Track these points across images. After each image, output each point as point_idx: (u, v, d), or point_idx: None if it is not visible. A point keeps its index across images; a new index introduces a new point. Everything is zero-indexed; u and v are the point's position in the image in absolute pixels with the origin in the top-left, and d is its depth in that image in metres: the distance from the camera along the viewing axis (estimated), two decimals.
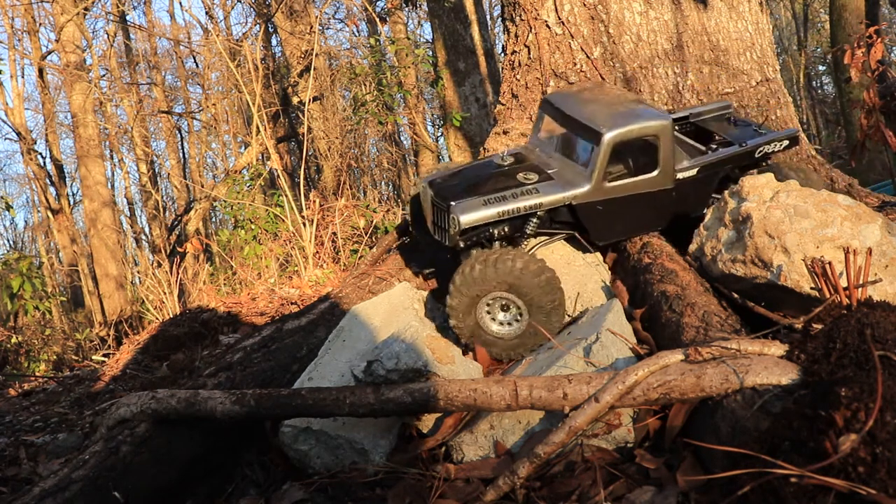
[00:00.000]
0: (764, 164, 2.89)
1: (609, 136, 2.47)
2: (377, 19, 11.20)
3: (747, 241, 2.14)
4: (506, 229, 2.56)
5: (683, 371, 1.63)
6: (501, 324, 2.40)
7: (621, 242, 2.81)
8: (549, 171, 2.62)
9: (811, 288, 1.87)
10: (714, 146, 2.79)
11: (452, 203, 2.52)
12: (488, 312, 2.40)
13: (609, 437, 1.80)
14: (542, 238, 2.72)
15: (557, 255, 2.76)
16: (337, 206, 7.00)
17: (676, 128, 2.95)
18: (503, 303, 2.38)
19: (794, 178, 2.72)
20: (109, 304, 11.59)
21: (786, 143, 2.84)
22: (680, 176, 2.65)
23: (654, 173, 2.58)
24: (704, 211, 2.75)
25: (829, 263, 1.71)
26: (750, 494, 1.25)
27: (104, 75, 18.09)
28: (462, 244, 2.55)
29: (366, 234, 6.71)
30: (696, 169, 2.68)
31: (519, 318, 2.37)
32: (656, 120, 2.52)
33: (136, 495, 1.95)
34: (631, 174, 2.59)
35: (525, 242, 2.66)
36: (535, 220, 2.58)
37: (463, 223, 2.48)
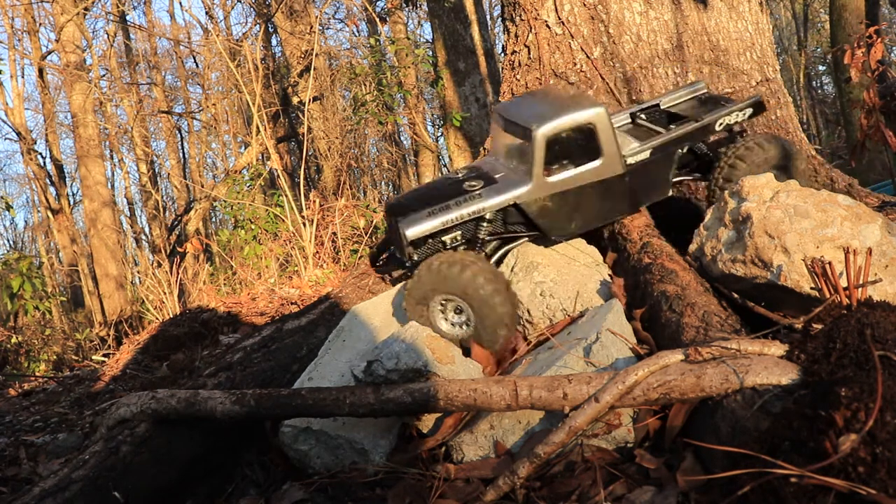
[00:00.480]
0: (740, 134, 2.87)
1: (540, 132, 2.48)
2: (377, 19, 11.20)
3: (747, 241, 2.14)
4: (458, 237, 2.62)
5: (683, 371, 1.63)
6: (452, 325, 2.46)
7: (621, 242, 2.81)
8: (497, 176, 2.66)
9: (811, 288, 1.87)
10: (672, 126, 2.78)
11: (399, 218, 2.61)
12: (442, 313, 2.46)
13: (609, 437, 1.80)
14: (519, 242, 2.75)
15: (558, 254, 2.76)
16: (337, 206, 7.00)
17: (643, 116, 2.95)
18: (455, 305, 2.43)
19: (767, 144, 2.67)
20: (109, 304, 11.60)
21: (749, 111, 2.79)
22: (631, 160, 2.64)
23: (598, 162, 2.57)
24: (670, 192, 2.79)
25: (829, 263, 1.71)
26: (750, 494, 1.25)
27: (104, 75, 18.10)
28: (416, 256, 2.63)
29: (366, 234, 6.71)
30: (648, 151, 2.67)
31: (469, 322, 2.42)
32: (588, 109, 2.51)
33: (136, 495, 1.95)
34: (576, 167, 2.59)
35: (483, 249, 2.70)
36: (484, 224, 2.63)
37: (409, 236, 2.56)
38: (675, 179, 2.88)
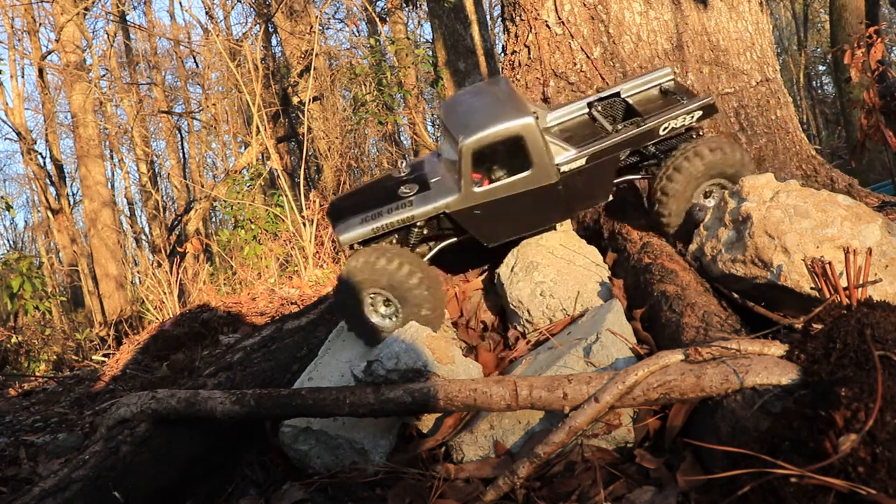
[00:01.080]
0: (697, 133, 2.71)
1: (466, 144, 2.46)
2: (377, 19, 11.20)
3: (747, 241, 2.14)
4: (394, 240, 2.68)
5: (683, 371, 1.63)
6: (383, 317, 2.55)
7: (621, 242, 2.81)
8: (432, 181, 2.66)
9: (811, 288, 1.87)
10: (619, 127, 2.64)
11: (335, 224, 2.69)
12: (372, 306, 2.54)
13: (609, 437, 1.80)
14: (450, 241, 2.77)
15: (558, 254, 2.76)
16: None
17: (599, 108, 2.80)
18: (384, 298, 2.52)
19: (708, 152, 2.52)
20: (109, 304, 11.60)
21: (699, 113, 2.60)
22: (565, 168, 2.55)
23: (529, 172, 2.51)
24: (610, 197, 2.67)
25: (829, 263, 1.71)
26: (750, 494, 1.25)
27: (104, 75, 18.09)
28: None
29: None
30: (584, 159, 2.57)
31: (398, 313, 2.52)
32: (516, 120, 2.46)
33: (136, 495, 1.95)
34: (508, 175, 2.55)
35: (428, 245, 2.77)
36: (416, 230, 2.67)
37: (343, 242, 2.64)
38: (618, 180, 2.74)
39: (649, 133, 2.60)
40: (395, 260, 2.44)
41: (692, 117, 2.60)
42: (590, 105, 2.81)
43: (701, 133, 2.71)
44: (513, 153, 2.53)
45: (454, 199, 2.56)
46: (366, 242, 2.65)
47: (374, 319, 2.55)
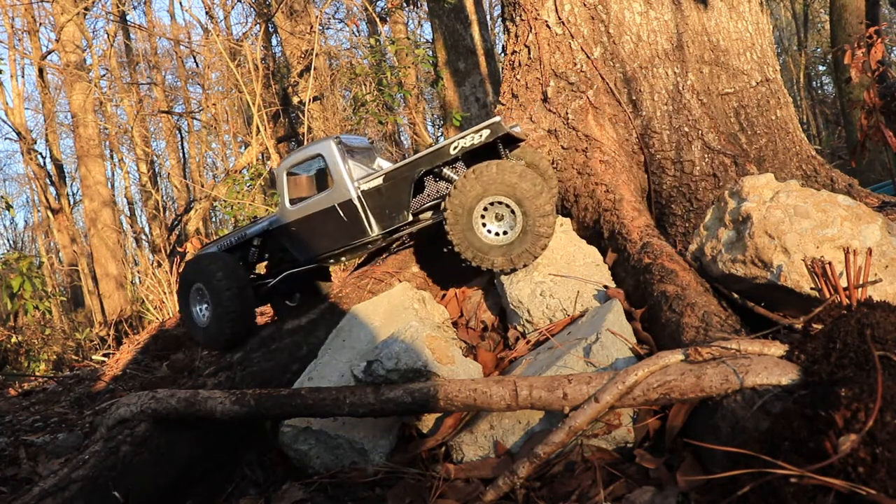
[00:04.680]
0: (509, 153, 2.85)
1: (280, 166, 2.96)
2: (377, 19, 11.19)
3: (747, 242, 2.14)
4: (241, 262, 3.12)
5: (683, 371, 1.63)
6: (199, 313, 3.05)
7: (621, 242, 2.81)
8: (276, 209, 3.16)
9: (811, 288, 1.87)
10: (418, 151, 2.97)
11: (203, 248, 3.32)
12: (198, 303, 3.05)
13: (609, 437, 1.80)
14: (298, 269, 3.13)
15: (558, 254, 2.76)
16: None
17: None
18: (205, 298, 3.01)
19: (497, 167, 2.55)
20: (109, 304, 11.60)
21: (486, 132, 2.69)
22: (364, 187, 2.85)
23: (331, 189, 2.87)
24: (409, 217, 2.86)
25: (829, 263, 1.71)
26: (750, 494, 1.25)
27: (104, 75, 18.09)
28: None
29: None
30: (381, 178, 2.84)
31: (209, 312, 3.01)
32: (317, 143, 2.92)
33: (136, 495, 1.95)
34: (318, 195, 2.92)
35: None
36: (252, 248, 3.13)
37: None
38: (422, 206, 2.91)
39: (439, 152, 2.77)
40: (212, 264, 2.93)
41: (480, 136, 2.72)
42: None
43: (507, 156, 2.86)
44: (319, 175, 2.98)
45: (276, 219, 3.00)
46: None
47: (193, 313, 3.02)
